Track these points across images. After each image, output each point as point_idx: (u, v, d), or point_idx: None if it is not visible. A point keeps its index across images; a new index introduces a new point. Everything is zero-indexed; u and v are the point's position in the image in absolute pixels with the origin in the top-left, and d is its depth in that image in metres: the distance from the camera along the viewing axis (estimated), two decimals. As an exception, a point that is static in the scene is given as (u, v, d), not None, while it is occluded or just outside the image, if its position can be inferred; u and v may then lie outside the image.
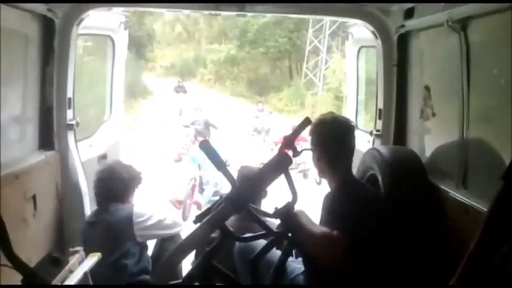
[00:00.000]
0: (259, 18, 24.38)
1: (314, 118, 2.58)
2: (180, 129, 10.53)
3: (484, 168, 2.51)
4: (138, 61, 24.47)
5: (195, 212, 6.67)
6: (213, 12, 3.55)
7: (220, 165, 2.16)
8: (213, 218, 2.06)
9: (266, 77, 27.82)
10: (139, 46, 25.09)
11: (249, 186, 2.20)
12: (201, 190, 7.57)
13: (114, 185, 2.97)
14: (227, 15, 3.59)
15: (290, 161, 2.22)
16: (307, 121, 2.33)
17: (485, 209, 2.26)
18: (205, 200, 7.35)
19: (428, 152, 3.11)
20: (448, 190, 2.68)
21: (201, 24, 31.28)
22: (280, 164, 2.19)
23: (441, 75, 3.04)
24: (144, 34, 27.27)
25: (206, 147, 2.15)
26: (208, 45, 30.82)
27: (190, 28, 32.25)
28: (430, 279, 2.50)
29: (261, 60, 28.05)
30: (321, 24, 24.31)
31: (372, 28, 3.53)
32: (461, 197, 2.54)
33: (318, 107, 20.07)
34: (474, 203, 2.40)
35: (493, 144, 2.44)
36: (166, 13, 22.87)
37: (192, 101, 16.15)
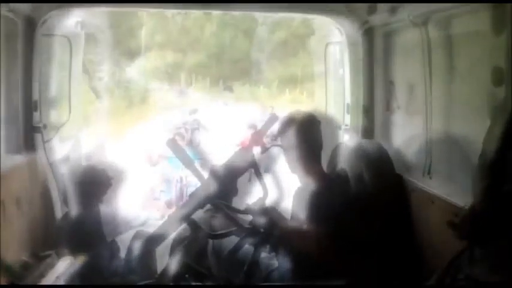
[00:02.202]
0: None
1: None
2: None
3: (447, 159, 2.59)
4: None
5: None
6: (176, 10, 3.55)
7: (188, 163, 2.18)
8: (181, 212, 2.08)
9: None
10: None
11: (216, 182, 2.23)
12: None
13: (82, 187, 2.94)
14: (191, 13, 3.60)
15: (253, 157, 2.26)
16: (274, 117, 2.37)
17: (450, 198, 2.35)
18: None
19: (395, 145, 3.19)
20: (414, 181, 2.76)
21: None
22: (244, 160, 2.22)
23: (405, 70, 3.12)
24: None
25: (173, 146, 2.16)
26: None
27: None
28: (399, 267, 2.57)
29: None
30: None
31: (337, 24, 3.59)
32: (427, 187, 2.61)
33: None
34: (439, 193, 2.48)
35: (456, 135, 2.53)
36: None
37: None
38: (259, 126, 9.54)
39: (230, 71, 28.70)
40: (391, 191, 2.81)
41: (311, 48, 4.47)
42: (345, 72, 3.72)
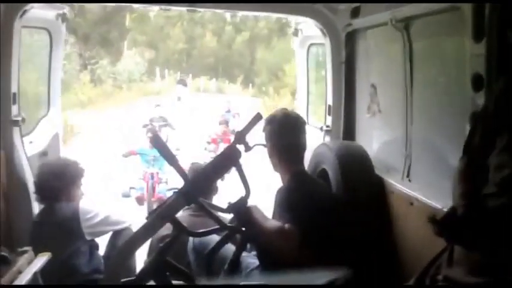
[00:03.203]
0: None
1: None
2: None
3: (427, 162, 2.64)
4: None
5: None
6: (162, 7, 3.53)
7: (172, 159, 2.17)
8: (164, 211, 2.07)
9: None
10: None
11: (199, 180, 2.22)
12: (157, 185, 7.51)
13: (55, 183, 2.90)
14: (177, 10, 3.59)
15: (239, 155, 2.26)
16: (258, 116, 2.38)
17: (429, 200, 2.40)
18: (163, 193, 7.29)
19: (375, 147, 3.24)
20: (394, 183, 2.80)
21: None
22: (229, 158, 2.23)
23: (386, 73, 3.17)
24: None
25: (157, 142, 2.15)
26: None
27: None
28: (378, 268, 2.61)
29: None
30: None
31: (320, 26, 3.62)
32: (406, 189, 2.66)
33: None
34: (418, 195, 2.52)
35: (435, 138, 2.58)
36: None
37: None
38: (229, 121, 9.57)
39: (198, 66, 30.75)
40: (370, 192, 2.85)
41: (294, 48, 4.48)
42: (327, 73, 3.75)
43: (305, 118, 4.04)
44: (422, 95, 2.72)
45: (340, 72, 3.61)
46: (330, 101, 3.71)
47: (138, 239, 2.04)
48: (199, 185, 2.19)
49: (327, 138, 3.67)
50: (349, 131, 3.56)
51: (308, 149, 2.77)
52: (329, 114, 3.72)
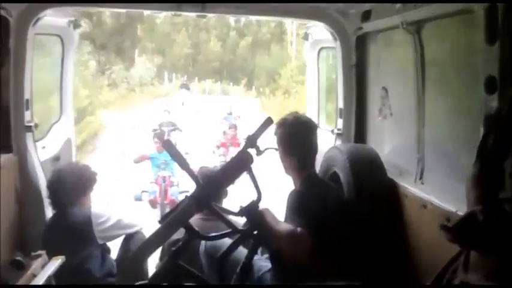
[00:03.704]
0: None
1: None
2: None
3: (440, 165, 2.63)
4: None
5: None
6: (173, 12, 3.55)
7: (184, 164, 2.17)
8: (177, 217, 2.07)
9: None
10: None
11: (212, 185, 2.23)
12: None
13: (67, 188, 2.92)
14: (187, 15, 3.60)
15: (251, 160, 2.26)
16: (269, 121, 2.38)
17: (442, 203, 2.38)
18: (175, 196, 7.35)
19: (387, 150, 3.22)
20: (407, 186, 2.78)
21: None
22: (241, 163, 2.23)
23: (397, 76, 3.15)
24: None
25: (169, 147, 2.16)
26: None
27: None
28: (391, 272, 2.60)
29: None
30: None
31: (330, 30, 3.61)
32: (419, 192, 2.64)
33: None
34: (431, 198, 2.51)
35: (448, 141, 2.56)
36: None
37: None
38: (235, 125, 9.60)
39: (204, 69, 32.39)
40: (382, 195, 2.83)
41: (304, 52, 4.49)
42: (338, 77, 3.75)
43: (316, 121, 4.04)
44: (435, 97, 2.71)
45: (351, 76, 3.60)
46: (341, 104, 3.70)
47: (151, 244, 2.05)
48: (211, 190, 2.19)
49: (338, 142, 3.66)
50: (360, 134, 3.55)
51: (319, 153, 2.77)
52: (340, 117, 3.71)
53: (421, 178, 2.73)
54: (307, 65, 4.60)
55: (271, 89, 24.11)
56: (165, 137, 10.76)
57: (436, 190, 2.55)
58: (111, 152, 13.13)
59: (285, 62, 23.79)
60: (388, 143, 3.27)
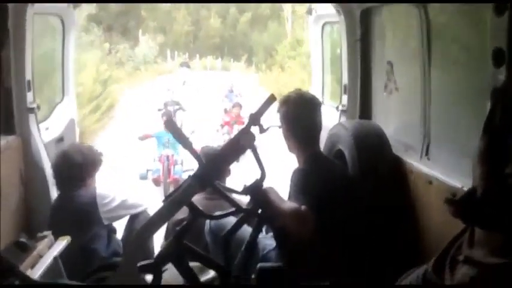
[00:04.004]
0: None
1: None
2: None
3: (446, 140, 2.59)
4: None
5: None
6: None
7: (186, 143, 2.15)
8: (179, 196, 2.06)
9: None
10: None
11: (214, 164, 2.21)
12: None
13: (72, 170, 2.92)
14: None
15: (253, 138, 2.23)
16: (272, 98, 2.35)
17: (448, 179, 2.35)
18: (178, 174, 7.39)
19: (392, 126, 3.18)
20: (412, 162, 2.75)
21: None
22: (243, 141, 2.20)
23: (403, 50, 3.09)
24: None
25: (171, 127, 2.14)
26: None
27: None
28: (396, 249, 2.59)
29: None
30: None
31: (335, 4, 3.54)
32: (425, 168, 2.61)
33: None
34: (437, 174, 2.48)
35: (455, 116, 2.52)
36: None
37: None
38: (238, 103, 9.58)
39: (205, 46, 32.77)
40: (388, 172, 2.81)
41: (308, 27, 4.42)
42: (342, 52, 3.69)
43: (320, 98, 4.00)
44: (441, 71, 2.66)
45: (355, 51, 3.54)
46: (345, 80, 3.65)
47: (154, 223, 2.04)
48: (214, 168, 2.17)
49: (343, 118, 3.62)
50: (365, 110, 3.51)
51: (324, 129, 2.73)
52: (345, 93, 3.66)
53: (427, 154, 2.70)
54: (310, 40, 4.53)
55: (268, 64, 24.90)
56: (171, 117, 10.79)
57: (442, 166, 2.52)
58: (124, 126, 13.40)
59: (281, 39, 24.18)
60: (394, 118, 3.23)
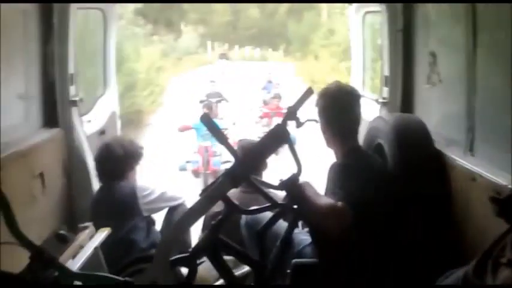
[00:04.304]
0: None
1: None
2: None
3: (492, 135, 2.47)
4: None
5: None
6: None
7: (222, 138, 2.14)
8: (212, 193, 2.06)
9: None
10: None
11: (248, 159, 2.19)
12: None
13: (113, 163, 2.99)
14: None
15: (287, 133, 2.19)
16: (309, 91, 2.30)
17: (493, 176, 2.25)
18: (217, 165, 7.45)
19: (435, 119, 3.07)
20: (455, 158, 2.65)
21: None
22: (278, 136, 2.17)
23: (447, 40, 2.97)
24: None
25: (206, 121, 2.13)
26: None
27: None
28: (436, 248, 2.50)
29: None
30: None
31: (376, -7, 3.45)
32: (469, 165, 2.51)
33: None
34: (481, 170, 2.37)
35: (501, 109, 2.40)
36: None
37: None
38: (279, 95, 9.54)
39: (243, 36, 34.77)
40: (429, 167, 2.71)
41: (349, 17, 4.32)
42: (383, 42, 3.59)
43: (360, 90, 3.91)
44: (487, 62, 2.53)
45: (397, 41, 3.43)
46: (386, 72, 3.55)
47: (188, 218, 2.04)
48: (248, 164, 2.15)
49: (383, 111, 3.53)
50: (406, 103, 3.40)
51: (363, 123, 2.67)
52: (385, 86, 3.56)
53: (471, 149, 2.59)
54: (350, 30, 4.43)
55: (303, 53, 25.76)
56: (213, 108, 10.88)
57: (486, 162, 2.41)
58: (170, 112, 14.10)
59: (317, 28, 24.53)
60: (436, 112, 3.11)
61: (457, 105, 2.79)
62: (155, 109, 15.21)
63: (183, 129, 7.93)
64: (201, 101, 10.71)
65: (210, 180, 7.21)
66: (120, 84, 12.53)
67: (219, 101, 11.20)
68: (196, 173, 7.56)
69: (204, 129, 7.59)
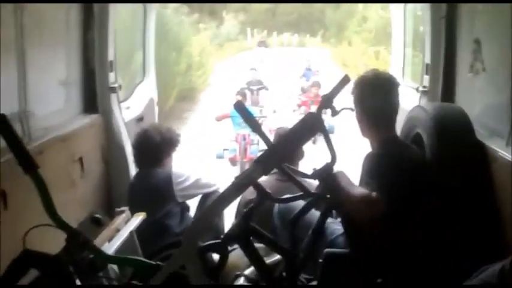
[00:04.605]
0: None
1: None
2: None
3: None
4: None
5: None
6: None
7: (255, 126, 2.13)
8: (243, 180, 2.05)
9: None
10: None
11: (279, 146, 2.16)
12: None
13: (150, 149, 3.03)
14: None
15: (321, 121, 2.15)
16: (346, 79, 2.25)
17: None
18: (254, 154, 7.44)
19: (477, 109, 2.96)
20: (497, 149, 2.55)
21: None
22: (311, 124, 2.13)
23: (492, 27, 2.85)
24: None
25: (240, 109, 2.12)
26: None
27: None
28: (475, 243, 2.42)
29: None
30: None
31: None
32: (510, 156, 2.41)
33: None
34: (524, 163, 2.28)
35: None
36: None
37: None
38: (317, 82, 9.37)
39: (282, 23, 35.83)
40: (470, 159, 2.62)
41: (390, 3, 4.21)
42: (426, 29, 3.47)
43: (400, 78, 3.82)
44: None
45: (440, 28, 3.32)
46: (427, 59, 3.44)
47: (217, 206, 2.04)
48: (280, 152, 2.13)
49: (424, 100, 3.43)
50: (448, 92, 3.28)
51: (402, 112, 2.60)
52: (426, 74, 3.45)
53: (513, 141, 2.48)
54: (391, 17, 4.32)
55: (338, 39, 26.32)
56: (254, 96, 10.85)
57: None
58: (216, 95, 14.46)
59: (353, 15, 24.56)
60: (479, 101, 2.99)
61: (500, 95, 2.67)
62: (205, 88, 16.53)
63: (220, 118, 7.94)
64: (242, 89, 10.70)
65: (248, 169, 7.24)
66: (181, 64, 12.81)
67: (260, 89, 11.14)
68: (233, 161, 7.56)
69: (240, 118, 7.64)
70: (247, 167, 7.20)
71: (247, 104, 10.78)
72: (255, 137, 7.62)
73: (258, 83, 11.24)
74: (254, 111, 8.52)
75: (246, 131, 7.57)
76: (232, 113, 7.88)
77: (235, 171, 7.25)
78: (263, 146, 7.36)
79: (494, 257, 1.76)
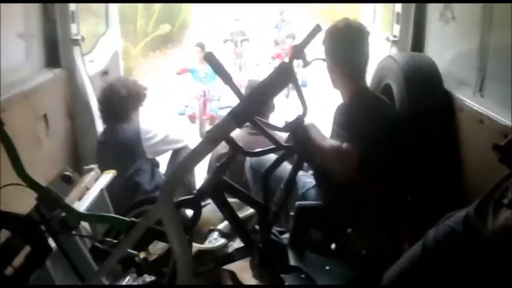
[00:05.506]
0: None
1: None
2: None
3: (504, 76, 2.39)
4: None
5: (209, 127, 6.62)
6: None
7: (227, 78, 2.08)
8: (215, 133, 2.02)
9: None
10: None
11: (252, 98, 2.13)
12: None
13: (117, 103, 2.96)
14: None
15: (294, 72, 2.12)
16: (317, 28, 2.20)
17: (501, 118, 2.20)
18: (214, 112, 7.25)
19: (446, 59, 2.97)
20: (464, 98, 2.58)
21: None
22: (283, 75, 2.09)
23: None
24: None
25: (211, 60, 2.06)
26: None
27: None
28: (442, 191, 2.49)
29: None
30: None
31: None
32: (477, 106, 2.45)
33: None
34: (490, 112, 2.31)
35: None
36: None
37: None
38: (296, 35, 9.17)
39: None
40: (437, 108, 2.65)
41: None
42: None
43: (371, 27, 3.78)
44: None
45: None
46: (398, 8, 3.40)
47: (190, 160, 2.02)
48: (252, 104, 2.10)
49: (394, 50, 3.41)
50: (418, 42, 3.27)
51: (372, 62, 2.58)
52: (397, 23, 3.42)
53: (480, 90, 2.51)
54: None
55: None
56: (238, 48, 10.50)
57: (496, 104, 2.34)
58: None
59: None
60: (448, 51, 3.00)
61: (469, 44, 2.68)
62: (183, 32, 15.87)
63: (180, 73, 7.62)
64: (225, 41, 10.32)
65: (207, 127, 7.05)
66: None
67: (244, 40, 10.68)
68: (192, 119, 7.25)
69: (202, 72, 7.40)
70: (207, 125, 7.03)
71: (232, 57, 10.53)
72: (215, 93, 7.36)
73: (241, 34, 10.80)
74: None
75: (206, 86, 7.31)
76: (191, 67, 7.58)
77: (195, 129, 7.07)
78: (224, 103, 7.19)
79: (460, 204, 1.81)
